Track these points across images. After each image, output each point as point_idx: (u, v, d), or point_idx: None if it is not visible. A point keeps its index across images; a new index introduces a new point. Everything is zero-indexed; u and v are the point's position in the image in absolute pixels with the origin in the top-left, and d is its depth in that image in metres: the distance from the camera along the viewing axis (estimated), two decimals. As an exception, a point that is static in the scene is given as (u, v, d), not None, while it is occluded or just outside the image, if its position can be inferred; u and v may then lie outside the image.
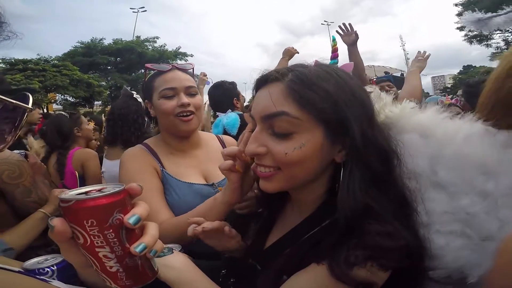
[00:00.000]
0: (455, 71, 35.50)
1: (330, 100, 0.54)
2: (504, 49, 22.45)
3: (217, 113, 2.14)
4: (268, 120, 0.57)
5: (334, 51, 1.39)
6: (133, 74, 26.46)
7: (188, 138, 1.15)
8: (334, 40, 1.93)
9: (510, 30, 21.27)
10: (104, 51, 24.35)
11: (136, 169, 1.05)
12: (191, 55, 29.19)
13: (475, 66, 31.49)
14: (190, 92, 1.10)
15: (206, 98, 2.47)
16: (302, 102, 0.54)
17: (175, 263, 0.62)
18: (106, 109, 27.81)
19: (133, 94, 1.99)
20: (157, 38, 27.36)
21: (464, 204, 0.55)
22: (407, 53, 40.18)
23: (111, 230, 0.40)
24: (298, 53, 2.44)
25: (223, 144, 1.28)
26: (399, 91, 2.23)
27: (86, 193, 0.41)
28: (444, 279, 0.57)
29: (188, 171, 1.11)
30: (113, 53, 25.05)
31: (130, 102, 1.98)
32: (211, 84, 2.47)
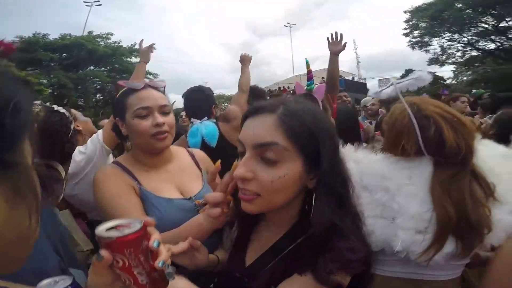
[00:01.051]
0: (399, 74, 38.69)
1: (312, 136, 0.64)
2: (440, 54, 24.76)
3: (192, 120, 1.98)
4: (259, 148, 0.64)
5: (309, 72, 1.46)
6: (81, 71, 24.07)
7: (161, 154, 1.16)
8: (307, 62, 2.07)
9: (446, 37, 23.57)
10: (48, 46, 21.83)
11: (113, 190, 1.04)
12: (149, 52, 27.71)
13: (414, 70, 34.16)
14: (164, 110, 1.11)
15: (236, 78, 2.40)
16: (291, 134, 0.63)
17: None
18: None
19: (53, 107, 1.59)
20: (111, 34, 25.20)
21: (377, 197, 0.85)
22: (358, 57, 42.86)
23: (142, 253, 0.54)
24: (251, 56, 2.52)
25: (193, 158, 1.30)
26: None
27: (115, 227, 0.54)
28: (381, 255, 0.83)
29: (165, 186, 1.13)
30: (59, 49, 22.55)
31: (52, 115, 1.54)
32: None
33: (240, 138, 0.68)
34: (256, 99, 2.36)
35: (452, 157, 0.80)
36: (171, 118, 1.13)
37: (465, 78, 27.08)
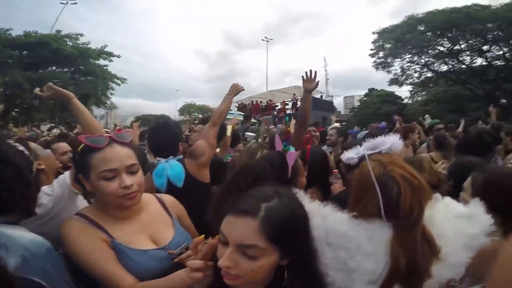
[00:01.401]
0: (363, 92, 41.09)
1: (290, 235, 0.75)
2: (400, 75, 26.71)
3: (157, 158, 1.82)
4: (242, 247, 0.73)
5: (287, 133, 1.47)
6: (41, 71, 22.29)
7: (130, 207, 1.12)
8: (287, 122, 2.10)
9: (406, 59, 25.61)
10: (9, 43, 20.05)
11: (83, 245, 1.01)
12: (118, 56, 25.94)
13: (376, 89, 36.45)
14: (132, 170, 1.07)
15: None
16: (271, 238, 0.72)
17: None
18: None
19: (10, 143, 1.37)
20: (81, 35, 23.74)
21: (339, 254, 0.90)
22: (327, 74, 45.00)
23: None
24: (243, 90, 2.33)
25: (163, 204, 1.28)
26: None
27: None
28: None
29: (137, 238, 1.11)
30: (20, 46, 20.78)
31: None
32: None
33: (224, 231, 0.76)
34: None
35: (406, 219, 0.87)
36: (139, 176, 1.09)
37: (420, 98, 29.63)
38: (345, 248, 0.91)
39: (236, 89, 2.21)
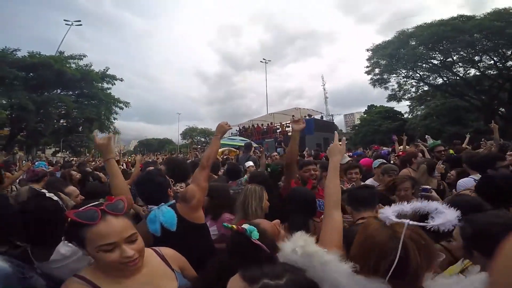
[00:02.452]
0: (362, 109, 41.41)
1: None
2: (397, 91, 27.08)
3: (149, 206, 1.91)
4: None
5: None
6: (45, 94, 23.10)
7: None
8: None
9: (403, 74, 26.13)
10: (15, 64, 20.55)
11: None
12: (121, 79, 26.96)
13: (375, 105, 36.60)
14: (131, 239, 1.04)
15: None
16: None
17: None
18: (0, 132, 23.37)
19: (45, 193, 1.58)
20: (84, 56, 24.63)
21: None
22: (326, 92, 45.83)
23: None
24: (231, 128, 2.52)
25: (162, 258, 1.25)
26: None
27: None
28: None
29: None
30: (26, 67, 21.39)
31: (45, 203, 1.53)
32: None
33: None
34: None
35: (412, 281, 0.86)
36: (139, 243, 1.07)
37: (419, 113, 29.87)
38: None
39: (222, 129, 2.24)
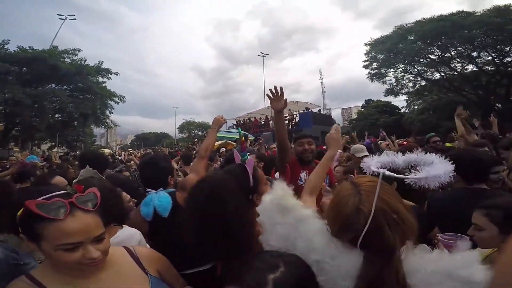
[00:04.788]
0: (360, 103, 41.43)
1: None
2: (395, 85, 27.05)
3: (148, 190, 1.85)
4: None
5: (242, 143, 1.51)
6: (40, 88, 22.72)
7: None
8: (240, 132, 2.17)
9: (400, 68, 26.08)
10: (7, 58, 20.23)
11: None
12: (116, 73, 26.58)
13: (373, 100, 36.71)
14: (99, 239, 0.88)
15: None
16: None
17: None
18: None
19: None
20: (79, 50, 24.27)
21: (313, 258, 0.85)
22: (324, 87, 45.75)
23: None
24: (226, 122, 2.39)
25: (135, 259, 1.07)
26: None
27: None
28: None
29: None
30: (20, 61, 21.09)
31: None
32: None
33: None
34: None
35: (379, 251, 0.78)
36: (105, 243, 0.91)
37: (416, 107, 29.93)
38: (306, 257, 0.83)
39: (218, 122, 2.27)
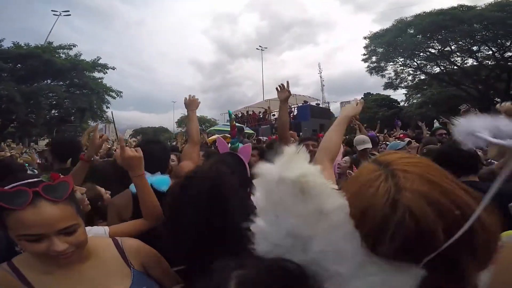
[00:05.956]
0: (359, 97, 41.12)
1: None
2: (394, 79, 26.85)
3: (145, 171, 1.66)
4: None
5: (233, 128, 1.36)
6: (35, 84, 22.33)
7: None
8: (230, 116, 2.06)
9: (400, 62, 25.88)
10: (1, 55, 20.10)
11: None
12: (113, 68, 26.24)
13: (372, 93, 36.65)
14: (68, 231, 0.83)
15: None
16: None
17: None
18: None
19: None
20: (74, 45, 23.79)
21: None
22: (323, 80, 45.50)
23: None
24: (199, 101, 2.31)
25: (121, 251, 1.02)
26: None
27: None
28: None
29: None
30: (14, 58, 20.88)
31: None
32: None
33: None
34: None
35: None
36: (78, 235, 0.85)
37: (415, 101, 29.82)
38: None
39: (193, 103, 2.23)
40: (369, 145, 3.56)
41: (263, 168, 0.56)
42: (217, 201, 0.94)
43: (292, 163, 0.53)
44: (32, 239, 0.79)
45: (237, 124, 8.82)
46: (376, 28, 25.97)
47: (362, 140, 3.57)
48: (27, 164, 3.94)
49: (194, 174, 1.03)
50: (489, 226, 0.49)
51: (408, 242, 0.48)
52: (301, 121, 16.72)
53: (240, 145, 1.19)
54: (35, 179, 0.83)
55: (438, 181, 0.51)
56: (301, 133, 10.24)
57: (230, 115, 2.14)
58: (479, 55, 22.47)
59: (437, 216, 0.47)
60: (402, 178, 0.51)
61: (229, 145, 1.20)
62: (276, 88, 2.51)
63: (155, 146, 1.77)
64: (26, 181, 0.81)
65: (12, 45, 21.47)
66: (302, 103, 20.60)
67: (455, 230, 0.46)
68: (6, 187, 0.78)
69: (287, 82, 2.46)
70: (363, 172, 0.58)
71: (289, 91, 2.46)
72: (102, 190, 1.74)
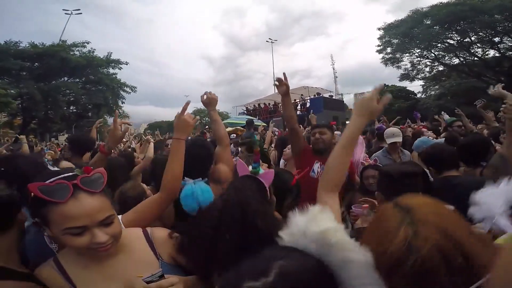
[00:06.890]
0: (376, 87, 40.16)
1: None
2: (410, 70, 26.02)
3: (185, 178, 1.59)
4: None
5: (256, 154, 1.31)
6: (53, 82, 23.21)
7: None
8: (256, 140, 2.03)
9: (416, 53, 24.99)
10: (19, 55, 20.82)
11: None
12: (126, 63, 26.73)
13: (387, 85, 35.77)
14: (106, 222, 0.85)
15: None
16: None
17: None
18: (14, 121, 23.81)
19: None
20: (87, 42, 24.51)
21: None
22: (336, 72, 44.54)
23: None
24: (217, 97, 2.02)
25: (150, 243, 1.03)
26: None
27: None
28: None
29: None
30: (31, 57, 21.66)
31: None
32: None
33: None
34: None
35: None
36: (115, 227, 0.88)
37: (433, 92, 28.85)
38: None
39: (213, 101, 1.95)
40: (400, 139, 3.44)
41: (291, 220, 0.63)
42: (249, 224, 0.91)
43: (317, 219, 0.60)
44: (76, 232, 0.80)
45: (247, 119, 8.63)
46: (390, 18, 25.06)
47: (392, 133, 3.49)
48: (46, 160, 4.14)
49: (229, 201, 0.98)
50: (477, 260, 0.57)
51: (416, 280, 0.57)
52: (314, 113, 16.56)
53: (261, 170, 1.13)
54: (70, 173, 0.84)
55: (452, 234, 0.58)
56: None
57: (254, 139, 2.16)
58: (501, 46, 21.42)
59: (445, 265, 0.55)
60: (421, 226, 0.59)
61: (252, 168, 1.14)
62: (274, 84, 2.29)
63: (201, 151, 1.69)
64: (63, 175, 0.82)
65: (28, 44, 22.19)
66: (315, 95, 20.33)
67: (458, 274, 0.55)
68: (46, 181, 0.79)
69: (284, 74, 2.25)
70: (385, 218, 0.66)
71: (287, 84, 2.24)
72: (145, 186, 1.75)
